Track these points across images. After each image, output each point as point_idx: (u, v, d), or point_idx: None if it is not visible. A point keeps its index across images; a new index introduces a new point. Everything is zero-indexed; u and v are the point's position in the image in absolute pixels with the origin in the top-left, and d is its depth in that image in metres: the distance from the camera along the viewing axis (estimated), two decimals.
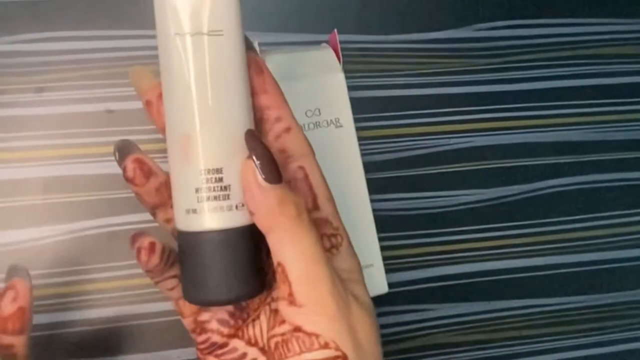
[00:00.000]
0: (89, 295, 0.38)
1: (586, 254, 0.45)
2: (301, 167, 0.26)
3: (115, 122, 0.40)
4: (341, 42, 0.42)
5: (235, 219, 0.24)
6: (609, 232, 0.45)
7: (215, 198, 0.24)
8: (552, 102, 0.45)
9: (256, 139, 0.24)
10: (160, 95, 0.25)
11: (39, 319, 0.38)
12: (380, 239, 0.37)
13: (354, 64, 0.43)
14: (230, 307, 0.28)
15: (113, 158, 0.39)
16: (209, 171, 0.24)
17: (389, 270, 0.42)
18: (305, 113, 0.36)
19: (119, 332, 0.38)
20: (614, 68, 0.47)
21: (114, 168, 0.39)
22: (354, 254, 0.27)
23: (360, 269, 0.27)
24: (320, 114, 0.36)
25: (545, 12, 0.46)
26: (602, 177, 0.46)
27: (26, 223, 0.38)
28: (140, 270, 0.39)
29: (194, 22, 0.24)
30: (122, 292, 0.39)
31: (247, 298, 0.25)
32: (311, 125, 0.36)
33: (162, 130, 0.26)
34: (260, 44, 0.41)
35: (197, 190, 0.24)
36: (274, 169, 0.23)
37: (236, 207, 0.24)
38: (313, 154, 0.27)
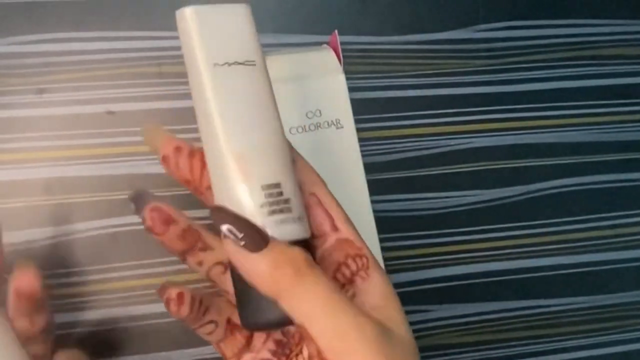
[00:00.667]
0: (90, 297, 0.38)
1: (588, 255, 0.45)
2: (313, 194, 0.26)
3: (116, 124, 0.40)
4: (342, 44, 0.42)
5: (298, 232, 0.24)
6: (611, 233, 0.45)
7: (281, 211, 0.23)
8: (552, 102, 0.45)
9: (222, 211, 0.23)
10: (176, 149, 0.25)
11: None
12: (381, 240, 0.37)
13: (354, 65, 0.43)
14: (272, 345, 0.27)
15: (114, 160, 0.39)
16: (268, 186, 0.23)
17: (390, 271, 0.42)
18: (306, 114, 0.36)
19: (119, 333, 0.38)
20: (614, 69, 0.47)
21: (114, 169, 0.39)
22: (382, 274, 0.26)
23: (392, 290, 0.26)
24: (320, 115, 0.36)
25: (545, 13, 0.46)
26: (603, 178, 0.46)
27: (27, 224, 0.38)
28: (141, 272, 0.39)
29: (226, 54, 0.24)
30: (122, 293, 0.38)
31: None
32: (312, 127, 0.36)
33: (183, 181, 0.26)
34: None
35: (261, 206, 0.23)
36: (254, 233, 0.22)
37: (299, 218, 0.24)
38: (324, 183, 0.26)
